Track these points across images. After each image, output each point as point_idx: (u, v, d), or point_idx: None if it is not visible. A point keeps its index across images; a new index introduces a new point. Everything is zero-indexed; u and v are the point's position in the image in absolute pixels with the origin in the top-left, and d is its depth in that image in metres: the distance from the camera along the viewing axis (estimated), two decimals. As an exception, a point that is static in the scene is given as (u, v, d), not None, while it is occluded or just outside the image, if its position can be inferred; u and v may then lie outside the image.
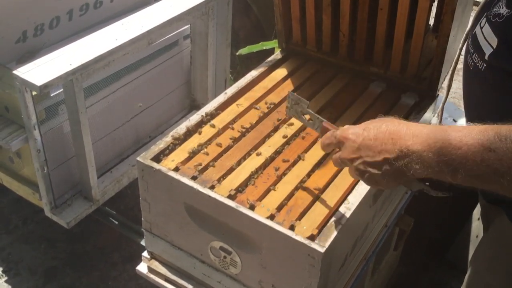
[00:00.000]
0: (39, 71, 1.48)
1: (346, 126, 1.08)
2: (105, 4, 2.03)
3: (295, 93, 1.29)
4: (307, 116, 1.27)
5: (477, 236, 1.93)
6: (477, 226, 1.93)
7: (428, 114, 1.71)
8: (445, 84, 1.67)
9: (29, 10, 1.78)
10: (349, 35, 1.71)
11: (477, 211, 1.95)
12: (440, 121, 1.44)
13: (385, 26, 1.60)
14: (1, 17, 1.72)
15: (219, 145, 1.47)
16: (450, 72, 1.31)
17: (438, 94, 1.72)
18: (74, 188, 1.82)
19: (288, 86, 1.75)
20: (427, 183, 1.00)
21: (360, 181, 1.35)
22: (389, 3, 1.54)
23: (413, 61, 1.64)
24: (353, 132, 1.02)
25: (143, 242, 1.71)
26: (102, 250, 2.34)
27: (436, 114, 1.46)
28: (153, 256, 1.55)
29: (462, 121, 2.03)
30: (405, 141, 0.90)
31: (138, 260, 1.57)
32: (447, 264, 2.28)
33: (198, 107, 2.24)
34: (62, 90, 1.61)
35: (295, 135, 1.55)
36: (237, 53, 2.27)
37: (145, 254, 1.55)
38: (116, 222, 1.98)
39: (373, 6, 1.58)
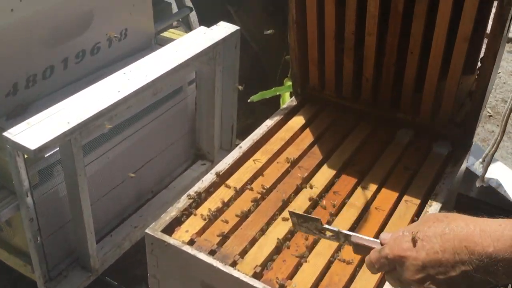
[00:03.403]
0: (33, 132, 1.31)
1: (391, 238, 0.86)
2: (102, 49, 1.87)
3: (297, 212, 1.01)
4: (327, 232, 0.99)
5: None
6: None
7: (464, 165, 1.56)
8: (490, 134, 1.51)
9: (20, 60, 1.62)
10: (373, 79, 1.56)
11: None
12: (483, 179, 1.28)
13: (415, 70, 1.46)
14: (-12, 69, 1.55)
15: (238, 209, 1.30)
16: (502, 125, 1.16)
17: (472, 142, 1.57)
18: (70, 257, 1.63)
19: (307, 136, 1.59)
20: None
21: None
22: (420, 46, 1.40)
23: (446, 107, 1.50)
24: (409, 248, 0.81)
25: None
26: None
27: (480, 170, 1.29)
28: (163, 339, 1.35)
29: (493, 166, 1.88)
30: (483, 248, 0.73)
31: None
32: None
33: (203, 157, 2.08)
34: (58, 149, 1.43)
35: (321, 195, 1.38)
36: (249, 100, 2.12)
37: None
38: (118, 291, 1.77)
39: (402, 49, 1.44)
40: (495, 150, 1.23)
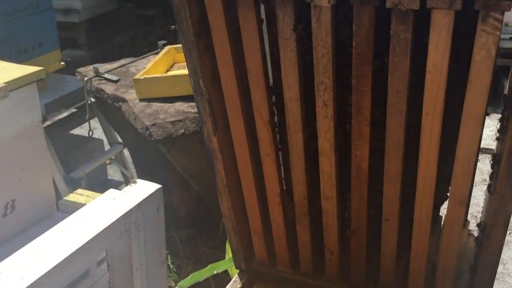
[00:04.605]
0: None
1: None
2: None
3: None
4: None
5: None
6: None
7: None
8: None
9: None
10: (339, 252, 1.16)
11: None
12: None
13: (395, 241, 1.06)
14: None
15: None
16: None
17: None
18: None
19: None
20: None
21: None
22: (398, 212, 1.02)
23: (443, 282, 1.09)
24: None
25: None
26: None
27: None
28: None
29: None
30: None
31: None
32: None
33: None
34: None
35: None
36: (176, 287, 1.66)
37: None
38: None
39: (374, 214, 1.06)
40: None
